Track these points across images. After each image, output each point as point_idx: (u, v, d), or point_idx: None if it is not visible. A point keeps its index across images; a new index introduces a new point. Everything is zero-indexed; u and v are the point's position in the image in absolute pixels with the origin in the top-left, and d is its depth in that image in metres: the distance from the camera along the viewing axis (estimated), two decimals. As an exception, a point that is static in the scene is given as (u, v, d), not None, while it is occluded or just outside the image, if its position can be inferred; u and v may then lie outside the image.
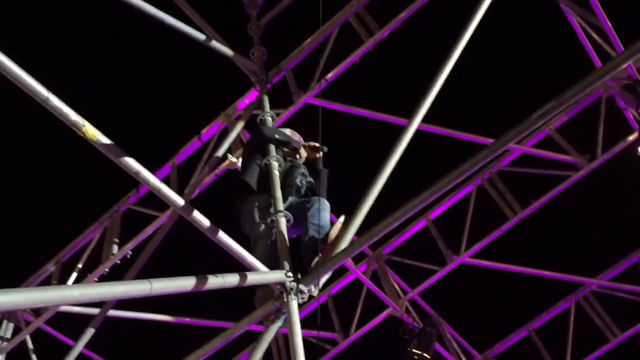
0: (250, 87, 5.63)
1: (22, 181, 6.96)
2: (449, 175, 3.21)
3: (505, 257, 6.67)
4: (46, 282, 6.30)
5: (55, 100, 2.55)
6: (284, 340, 6.94)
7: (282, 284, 3.21)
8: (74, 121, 2.61)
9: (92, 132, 2.62)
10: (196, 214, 2.95)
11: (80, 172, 7.07)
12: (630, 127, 5.91)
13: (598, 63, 5.50)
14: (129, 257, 5.65)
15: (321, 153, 4.32)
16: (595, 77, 3.01)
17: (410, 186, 3.60)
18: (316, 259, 3.45)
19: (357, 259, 6.89)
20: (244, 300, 3.82)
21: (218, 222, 3.23)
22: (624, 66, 4.73)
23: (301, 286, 3.24)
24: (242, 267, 3.21)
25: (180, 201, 2.86)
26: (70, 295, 2.00)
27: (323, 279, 3.38)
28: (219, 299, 6.44)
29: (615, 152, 5.91)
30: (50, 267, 6.32)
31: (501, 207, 6.29)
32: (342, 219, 3.66)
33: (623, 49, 5.12)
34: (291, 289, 3.21)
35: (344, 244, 3.39)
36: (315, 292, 3.34)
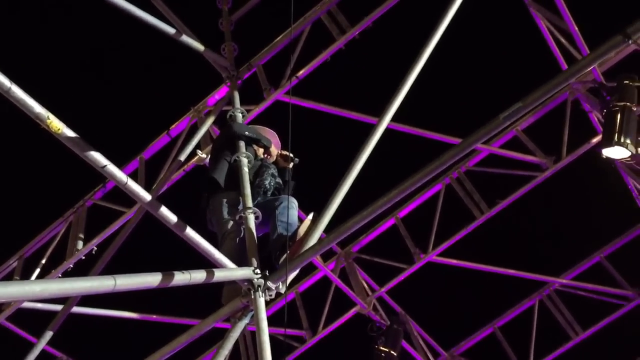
0: (220, 83, 5.59)
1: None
2: (417, 174, 3.24)
3: (472, 255, 6.76)
4: (9, 278, 6.16)
5: (18, 91, 2.48)
6: (252, 337, 6.92)
7: (249, 281, 3.21)
8: (38, 113, 2.55)
9: (57, 125, 2.57)
10: (163, 210, 2.92)
11: (45, 166, 6.92)
12: (594, 130, 6.04)
13: (564, 66, 5.60)
14: (94, 253, 5.57)
15: (292, 164, 4.24)
16: (561, 79, 3.07)
17: (379, 184, 3.62)
18: (284, 256, 3.44)
19: (326, 257, 6.91)
20: (210, 297, 3.79)
21: (186, 219, 3.20)
22: (589, 69, 4.87)
23: (269, 283, 3.24)
24: (209, 264, 3.18)
25: (147, 197, 2.83)
26: (32, 290, 1.96)
27: (291, 276, 3.38)
28: (186, 296, 6.39)
29: (580, 154, 6.03)
30: (13, 263, 6.19)
31: (469, 206, 6.37)
32: (310, 216, 3.66)
33: (589, 52, 5.22)
34: (259, 285, 3.20)
35: (312, 241, 3.40)
36: (282, 289, 3.33)
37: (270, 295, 3.27)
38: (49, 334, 4.72)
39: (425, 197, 6.78)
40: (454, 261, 6.70)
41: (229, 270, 3.09)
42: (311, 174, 4.70)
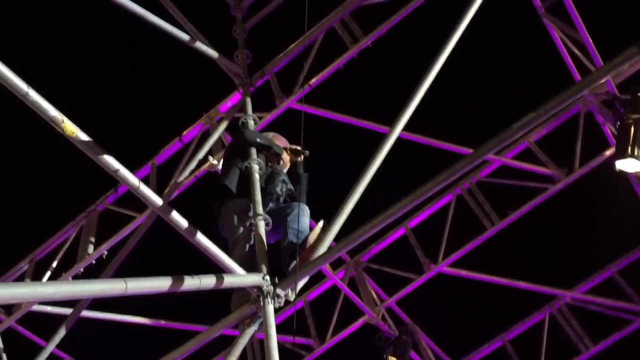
0: (233, 89, 5.62)
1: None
2: (428, 183, 3.23)
3: (482, 267, 6.71)
4: (19, 281, 6.19)
5: (34, 95, 2.51)
6: (260, 345, 6.90)
7: (259, 288, 3.20)
8: (53, 117, 2.57)
9: (71, 129, 2.59)
10: (174, 215, 2.92)
11: (57, 170, 6.97)
12: (607, 142, 6.00)
13: (578, 77, 5.58)
14: (104, 257, 5.59)
15: (302, 157, 4.30)
16: (575, 90, 3.06)
17: (390, 194, 3.62)
18: (294, 264, 3.44)
19: (335, 266, 6.89)
20: (219, 303, 3.79)
21: (197, 224, 3.21)
22: (602, 81, 4.86)
23: (278, 290, 3.24)
24: (219, 270, 3.18)
25: (159, 201, 2.84)
26: (44, 292, 1.97)
27: (300, 284, 3.37)
28: (195, 302, 6.40)
29: (593, 166, 5.99)
30: (24, 266, 6.22)
31: (479, 217, 6.33)
32: (321, 224, 3.66)
33: (603, 64, 5.20)
34: (268, 292, 3.19)
35: (323, 249, 3.39)
36: (292, 297, 3.33)
37: (280, 303, 3.27)
38: (58, 337, 4.75)
39: (436, 207, 6.75)
40: (464, 272, 6.66)
41: (238, 277, 3.09)
42: (322, 182, 4.70)
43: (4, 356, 6.08)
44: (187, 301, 6.47)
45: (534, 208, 6.18)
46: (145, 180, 5.95)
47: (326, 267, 6.24)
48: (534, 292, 6.95)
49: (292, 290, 3.30)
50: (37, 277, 6.00)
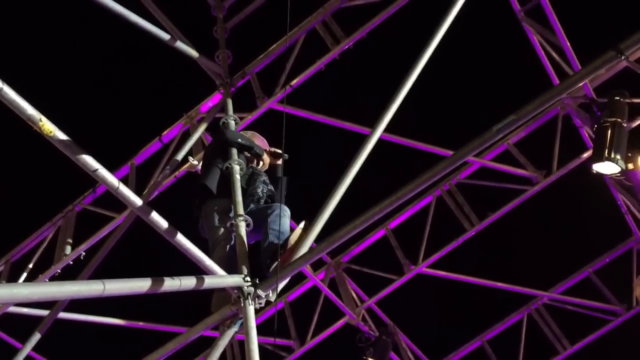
0: (213, 90, 5.59)
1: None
2: (409, 185, 3.24)
3: (462, 268, 6.77)
4: (-6, 282, 6.09)
5: (10, 92, 2.46)
6: (240, 347, 6.88)
7: (239, 289, 3.19)
8: (30, 115, 2.52)
9: (49, 127, 2.54)
10: (154, 215, 2.90)
11: (34, 170, 6.87)
12: (585, 145, 6.09)
13: (556, 81, 5.65)
14: (82, 258, 5.52)
15: (281, 159, 4.29)
16: (554, 93, 3.09)
17: (371, 195, 3.62)
18: (275, 265, 3.43)
19: (316, 267, 6.89)
20: (199, 305, 3.76)
21: (177, 225, 3.18)
22: (580, 84, 4.91)
23: (259, 291, 3.22)
24: (199, 272, 3.16)
25: (138, 201, 2.81)
26: (20, 293, 1.93)
27: (281, 285, 3.36)
28: (174, 304, 6.35)
29: (571, 169, 6.07)
30: (0, 267, 6.13)
31: (459, 218, 6.38)
32: (302, 225, 3.65)
33: (581, 67, 5.27)
34: (248, 293, 3.18)
35: (303, 250, 3.39)
36: (272, 298, 3.32)
37: (260, 304, 3.26)
38: (34, 339, 4.66)
39: (416, 208, 6.79)
40: (443, 273, 6.70)
41: (219, 278, 3.07)
42: (303, 183, 4.69)
43: (-22, 359, 5.99)
44: (166, 303, 6.42)
45: (513, 209, 6.25)
46: (125, 180, 5.89)
47: (307, 268, 6.23)
48: (512, 293, 7.02)
49: (272, 291, 3.28)
50: (13, 278, 5.90)
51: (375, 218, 3.29)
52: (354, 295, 6.82)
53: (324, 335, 6.56)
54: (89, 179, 6.36)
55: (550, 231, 7.22)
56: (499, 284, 6.86)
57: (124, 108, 6.75)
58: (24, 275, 5.78)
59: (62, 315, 5.44)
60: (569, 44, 5.40)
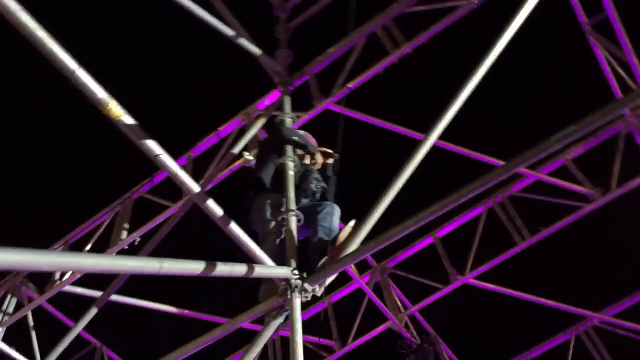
0: (271, 88, 5.68)
1: (38, 159, 7.03)
2: (459, 191, 3.19)
3: (510, 282, 6.64)
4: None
5: (82, 75, 2.56)
6: (280, 344, 6.95)
7: (287, 281, 3.24)
8: (100, 99, 2.63)
9: (117, 111, 2.65)
10: (210, 203, 2.98)
11: (95, 157, 7.14)
12: (646, 165, 5.90)
13: (620, 95, 5.50)
14: (136, 244, 5.70)
15: (332, 160, 4.34)
16: (616, 106, 3.03)
17: (422, 201, 3.61)
18: (323, 260, 3.47)
19: (361, 270, 6.90)
20: (243, 299, 3.83)
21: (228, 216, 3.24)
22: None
23: (306, 285, 3.27)
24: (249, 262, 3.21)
25: (196, 188, 2.90)
26: (85, 263, 2.04)
27: (328, 280, 3.40)
28: (219, 296, 6.48)
29: (630, 188, 5.89)
30: (58, 247, 6.38)
31: (510, 231, 6.28)
32: (352, 223, 3.68)
33: (646, 83, 5.13)
34: (296, 286, 3.23)
35: (352, 247, 3.41)
36: (319, 292, 3.35)
37: (306, 297, 3.30)
38: (86, 319, 4.82)
39: (466, 218, 6.72)
40: (490, 285, 6.59)
41: (268, 268, 3.13)
42: (354, 183, 4.72)
43: (33, 333, 6.25)
44: (211, 295, 6.56)
45: (567, 226, 6.11)
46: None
47: (352, 270, 6.25)
48: (561, 312, 6.84)
49: (319, 285, 3.32)
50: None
51: (423, 222, 3.26)
52: (398, 301, 6.79)
53: (366, 338, 6.56)
54: (147, 169, 6.58)
55: (604, 251, 7.00)
56: (548, 301, 6.71)
57: (183, 102, 6.94)
58: (81, 256, 5.99)
59: (114, 297, 5.65)
60: (635, 59, 5.26)
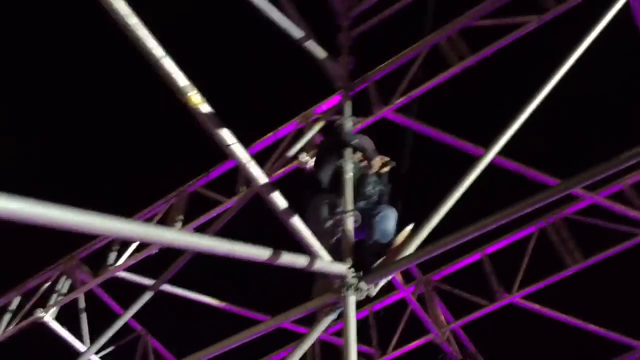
0: (329, 93, 5.77)
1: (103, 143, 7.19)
2: (515, 206, 3.13)
3: (558, 305, 6.51)
4: (107, 248, 6.50)
5: (167, 63, 2.68)
6: (320, 349, 6.98)
7: (343, 278, 3.27)
8: (182, 87, 2.74)
9: (197, 99, 2.76)
10: (275, 195, 3.05)
11: (152, 149, 7.31)
12: None
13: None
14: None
15: (388, 167, 4.36)
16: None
17: (477, 216, 3.60)
18: (379, 261, 3.50)
19: (406, 282, 6.87)
20: (289, 301, 3.87)
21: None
22: None
23: (361, 284, 3.30)
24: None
25: (264, 178, 2.98)
26: (165, 236, 2.13)
27: (383, 281, 3.42)
28: (267, 296, 6.55)
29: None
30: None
31: (561, 253, 6.17)
32: (409, 227, 3.71)
33: None
34: (351, 284, 3.26)
35: (409, 251, 3.43)
36: (373, 293, 3.38)
37: (361, 296, 3.32)
38: (137, 306, 4.93)
39: (516, 237, 6.64)
40: (537, 307, 6.48)
41: (327, 263, 3.18)
42: (409, 194, 4.73)
43: (84, 316, 6.44)
44: (258, 294, 6.63)
45: (621, 252, 5.97)
46: (235, 169, 6.19)
47: (398, 280, 6.24)
48: (608, 340, 6.66)
49: (375, 286, 3.35)
50: (124, 246, 6.29)
51: (477, 234, 3.23)
52: (441, 315, 6.74)
53: (406, 349, 6.52)
54: (204, 164, 6.69)
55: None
56: (596, 328, 6.54)
57: (243, 100, 7.08)
58: (135, 243, 6.16)
59: (164, 287, 5.79)
60: None
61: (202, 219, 5.83)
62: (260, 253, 2.65)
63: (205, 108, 2.82)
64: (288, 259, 2.83)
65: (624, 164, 2.87)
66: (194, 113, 2.85)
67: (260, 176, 2.98)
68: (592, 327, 6.50)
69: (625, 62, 5.94)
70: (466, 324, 6.67)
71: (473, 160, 3.76)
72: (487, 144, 3.80)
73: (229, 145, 2.93)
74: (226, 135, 2.91)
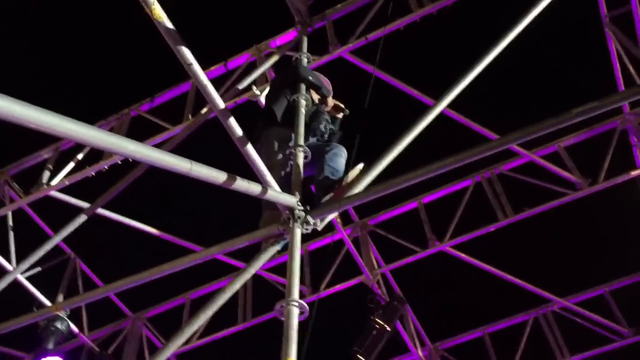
0: (286, 27, 5.66)
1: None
2: (456, 156, 3.21)
3: (485, 256, 6.82)
4: (40, 167, 6.28)
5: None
6: (252, 285, 7.06)
7: (291, 210, 3.29)
8: (148, -1, 2.61)
9: (160, 13, 2.64)
10: (232, 121, 3.00)
11: (99, 66, 6.95)
12: (634, 164, 6.08)
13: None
14: (131, 160, 5.66)
15: (342, 115, 4.36)
16: (613, 100, 3.03)
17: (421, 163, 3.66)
18: (327, 197, 3.54)
19: (344, 224, 7.00)
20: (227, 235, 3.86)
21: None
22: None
23: (309, 217, 3.33)
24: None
25: (221, 104, 2.92)
26: (126, 147, 2.06)
27: (330, 216, 3.47)
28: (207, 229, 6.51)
29: (617, 183, 6.07)
30: (47, 154, 6.32)
31: (494, 207, 6.43)
32: (360, 166, 3.74)
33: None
34: (299, 217, 3.29)
35: (358, 189, 3.48)
36: (320, 227, 3.42)
37: (307, 230, 3.36)
38: (69, 229, 4.76)
39: (452, 189, 6.86)
40: (465, 256, 6.76)
41: (277, 193, 3.19)
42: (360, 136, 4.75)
43: (12, 235, 6.23)
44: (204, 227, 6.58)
45: (549, 211, 6.28)
46: (184, 96, 6.04)
47: (337, 222, 6.35)
48: (526, 292, 7.06)
49: (321, 221, 3.40)
50: (58, 166, 6.09)
51: (433, 174, 3.32)
52: (374, 258, 6.94)
53: (337, 289, 6.70)
54: (148, 89, 6.45)
55: (580, 240, 7.23)
56: (516, 280, 6.90)
57: (195, 29, 6.82)
58: (71, 164, 5.96)
59: (100, 211, 5.65)
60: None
61: (148, 143, 5.68)
62: (217, 176, 2.62)
63: (167, 23, 2.71)
64: (242, 185, 2.82)
65: (558, 125, 2.97)
66: (158, 27, 2.74)
67: (219, 101, 2.91)
68: (513, 278, 6.87)
69: (578, 29, 6.10)
70: (397, 269, 6.90)
71: (424, 109, 3.81)
72: (438, 95, 3.85)
73: (190, 65, 2.83)
74: (187, 54, 2.81)
